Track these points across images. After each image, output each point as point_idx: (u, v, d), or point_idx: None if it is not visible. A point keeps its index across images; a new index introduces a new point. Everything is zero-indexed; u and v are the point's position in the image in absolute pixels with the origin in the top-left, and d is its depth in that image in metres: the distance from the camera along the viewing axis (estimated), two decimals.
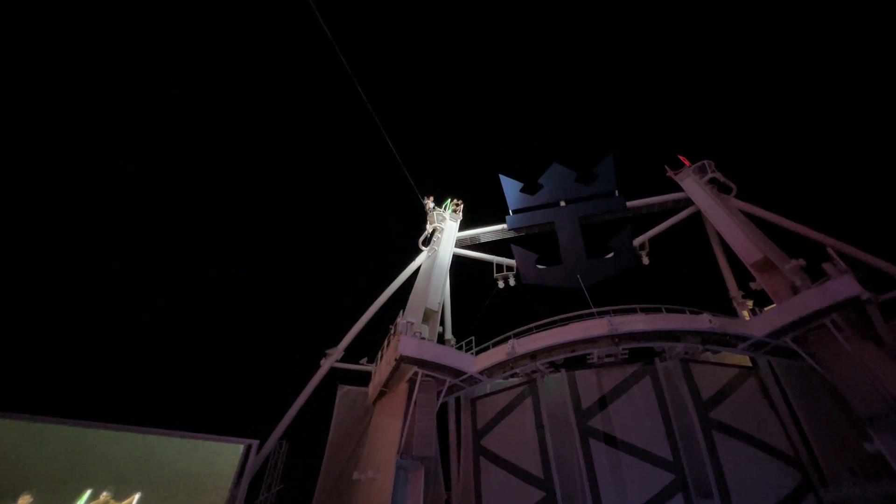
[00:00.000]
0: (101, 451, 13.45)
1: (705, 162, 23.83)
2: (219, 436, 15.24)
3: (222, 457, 14.87)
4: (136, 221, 32.85)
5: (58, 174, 29.71)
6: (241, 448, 15.30)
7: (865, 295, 14.86)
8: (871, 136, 28.98)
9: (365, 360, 20.86)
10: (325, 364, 20.23)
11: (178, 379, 29.08)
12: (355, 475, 15.98)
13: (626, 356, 19.03)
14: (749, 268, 18.80)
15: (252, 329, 33.58)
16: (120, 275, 31.29)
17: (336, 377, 20.49)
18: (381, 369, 18.36)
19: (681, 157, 24.99)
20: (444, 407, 21.00)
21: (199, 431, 14.98)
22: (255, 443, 15.75)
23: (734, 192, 22.54)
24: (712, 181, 23.07)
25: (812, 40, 33.06)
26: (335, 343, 20.92)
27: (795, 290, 16.19)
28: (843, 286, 14.50)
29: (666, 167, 25.13)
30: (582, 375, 20.37)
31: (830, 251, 15.89)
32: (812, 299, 14.93)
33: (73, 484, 12.51)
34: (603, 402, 19.50)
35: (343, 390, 20.30)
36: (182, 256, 34.28)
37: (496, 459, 19.73)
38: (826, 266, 15.52)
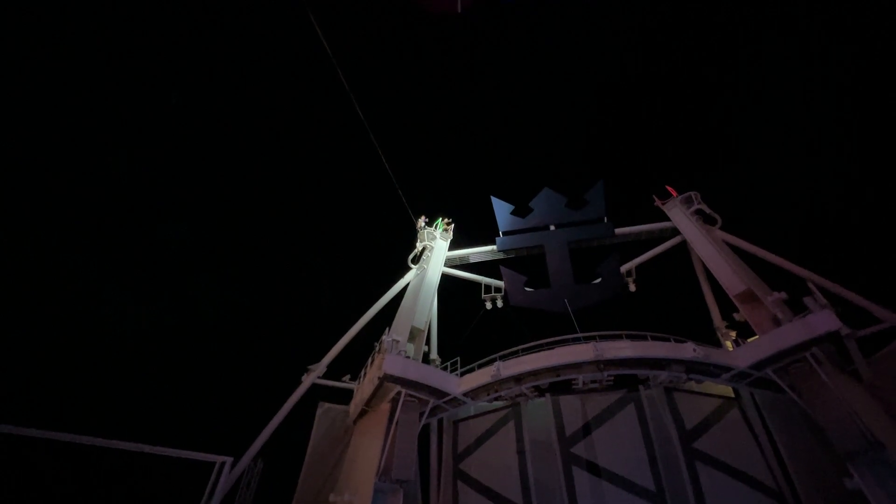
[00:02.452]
0: (61, 463, 12.79)
1: (692, 193, 24.47)
2: (190, 451, 14.65)
3: (193, 473, 14.28)
4: (118, 228, 32.25)
5: (42, 180, 29.19)
6: (213, 465, 14.71)
7: (845, 330, 15.14)
8: (852, 174, 30.13)
9: (347, 377, 20.44)
10: (307, 380, 19.76)
11: (150, 389, 28.11)
12: (331, 498, 15.41)
13: (612, 382, 18.98)
14: (733, 299, 19.09)
15: (232, 341, 32.78)
16: (97, 282, 30.49)
17: (317, 394, 20.00)
18: (363, 387, 18.00)
19: (668, 188, 25.63)
20: (425, 429, 20.60)
21: (170, 445, 14.38)
22: (229, 460, 15.17)
23: (719, 224, 23.08)
24: (698, 212, 23.64)
25: (799, 75, 34.60)
26: (318, 359, 20.50)
27: (777, 323, 16.44)
28: (823, 320, 14.76)
29: (654, 197, 25.73)
30: (566, 401, 20.25)
31: (811, 285, 16.22)
32: (793, 332, 15.15)
33: (29, 499, 11.83)
34: (587, 429, 19.34)
35: (323, 408, 19.79)
36: (165, 265, 33.63)
37: (475, 484, 19.29)
38: (807, 300, 15.80)
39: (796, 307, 16.34)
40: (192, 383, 28.93)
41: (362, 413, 17.89)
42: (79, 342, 27.64)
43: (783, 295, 17.07)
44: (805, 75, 34.18)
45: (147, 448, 13.97)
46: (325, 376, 20.27)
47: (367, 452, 15.88)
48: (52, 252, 28.86)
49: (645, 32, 40.63)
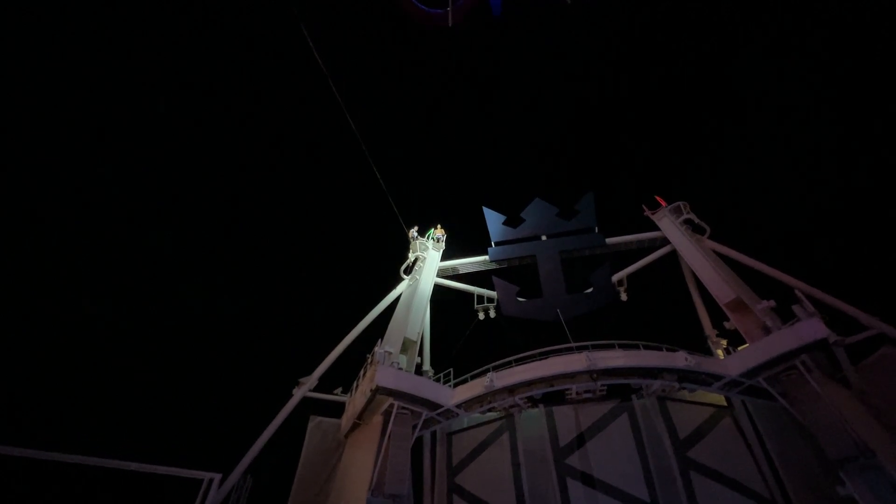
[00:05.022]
0: (42, 481, 12.37)
1: (680, 203, 24.82)
2: (177, 468, 14.25)
3: (179, 491, 13.89)
4: (100, 236, 31.68)
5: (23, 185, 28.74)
6: (200, 482, 14.33)
7: (833, 337, 15.35)
8: (838, 183, 30.85)
9: (339, 389, 20.15)
10: (298, 393, 19.41)
11: (133, 403, 27.41)
12: None
13: (605, 392, 18.97)
14: (723, 307, 19.27)
15: (220, 353, 32.21)
16: (78, 290, 29.84)
17: (308, 407, 19.66)
18: (355, 400, 17.77)
19: (657, 198, 25.97)
20: (418, 442, 20.33)
21: (154, 462, 13.98)
22: (217, 476, 14.77)
23: (708, 234, 23.39)
24: (687, 222, 23.95)
25: (787, 87, 35.52)
26: (309, 371, 20.20)
27: (767, 331, 16.61)
28: (811, 328, 14.97)
29: (643, 206, 26.05)
30: (560, 411, 20.19)
31: (798, 294, 16.45)
32: (783, 340, 15.33)
33: None
34: (581, 440, 19.27)
35: (315, 421, 19.45)
36: (153, 274, 33.12)
37: (470, 498, 19.04)
38: (795, 308, 16.02)
39: (785, 315, 16.55)
40: (177, 396, 28.31)
41: (354, 426, 17.63)
42: (59, 352, 26.99)
43: (772, 303, 17.29)
44: (792, 87, 35.14)
45: (131, 465, 13.56)
46: (317, 389, 19.94)
47: (359, 467, 15.62)
48: (27, 262, 28.30)
49: (635, 44, 41.56)
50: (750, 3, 36.11)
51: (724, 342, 21.30)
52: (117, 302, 31.04)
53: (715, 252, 22.07)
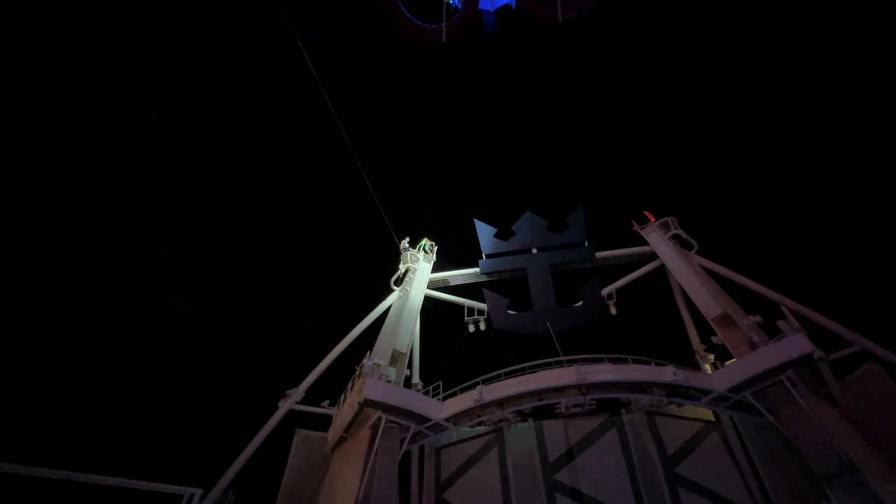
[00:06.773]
0: (15, 497, 11.91)
1: (669, 219, 25.16)
2: (156, 482, 13.85)
3: None
4: (87, 244, 31.13)
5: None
6: (181, 497, 13.92)
7: (818, 353, 15.55)
8: (822, 201, 31.62)
9: (327, 402, 19.85)
10: (284, 406, 19.09)
11: (111, 415, 26.64)
12: None
13: (594, 406, 18.92)
14: (710, 322, 19.46)
15: (204, 363, 31.55)
16: (60, 298, 29.17)
17: (294, 420, 19.30)
18: (342, 413, 17.49)
19: (646, 213, 26.32)
20: (406, 456, 20.01)
21: (133, 476, 13.57)
22: (198, 491, 14.41)
23: (695, 249, 23.73)
24: (675, 237, 24.27)
25: (772, 103, 36.54)
26: (296, 383, 19.88)
27: (754, 346, 16.78)
28: (796, 344, 15.18)
29: (633, 221, 26.38)
30: (549, 425, 20.10)
31: (784, 309, 16.70)
32: (768, 356, 15.50)
33: None
34: (570, 454, 19.17)
35: (301, 435, 19.08)
36: (135, 282, 32.53)
37: None
38: (780, 324, 16.25)
39: (771, 331, 16.76)
40: (158, 408, 27.62)
41: (341, 440, 17.33)
42: (34, 362, 26.24)
43: (758, 318, 17.49)
44: (781, 105, 36.15)
45: (108, 480, 13.14)
46: (304, 402, 19.63)
47: (345, 481, 15.31)
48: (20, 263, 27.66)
49: (626, 61, 42.52)
50: (740, 19, 37.26)
51: (712, 357, 21.44)
52: (96, 310, 30.35)
53: (702, 267, 22.37)
